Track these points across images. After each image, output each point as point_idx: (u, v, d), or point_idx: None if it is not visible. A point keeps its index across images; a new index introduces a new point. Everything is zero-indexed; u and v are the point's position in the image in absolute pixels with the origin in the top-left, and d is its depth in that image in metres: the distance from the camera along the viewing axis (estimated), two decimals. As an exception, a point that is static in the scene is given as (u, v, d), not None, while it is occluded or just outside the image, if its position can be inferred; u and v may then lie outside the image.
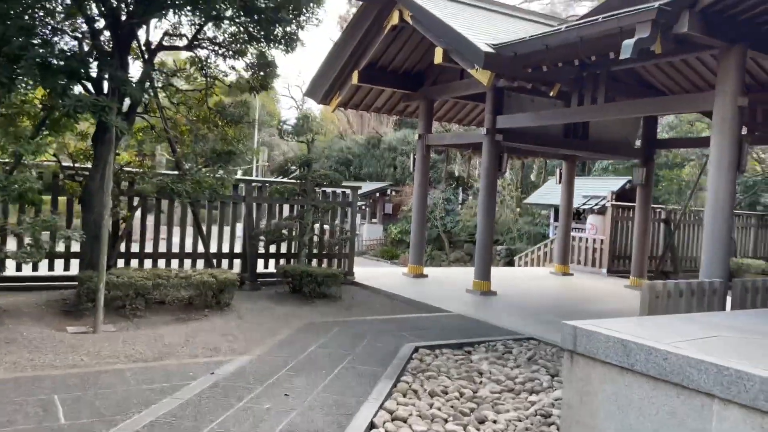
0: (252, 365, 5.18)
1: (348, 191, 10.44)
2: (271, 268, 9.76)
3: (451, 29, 7.92)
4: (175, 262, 9.01)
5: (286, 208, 9.87)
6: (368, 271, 11.77)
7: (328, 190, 10.18)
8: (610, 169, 21.75)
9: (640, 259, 11.77)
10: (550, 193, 19.93)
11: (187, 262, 9.15)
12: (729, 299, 6.51)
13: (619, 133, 11.39)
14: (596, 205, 15.45)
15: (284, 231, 9.09)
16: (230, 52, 8.48)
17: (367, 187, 29.11)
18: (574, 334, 3.50)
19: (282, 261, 9.88)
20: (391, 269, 12.79)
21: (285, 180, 9.26)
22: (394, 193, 31.58)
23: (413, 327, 7.00)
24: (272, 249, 9.84)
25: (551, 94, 8.32)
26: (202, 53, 8.63)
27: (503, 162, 10.03)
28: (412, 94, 11.43)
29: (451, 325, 7.25)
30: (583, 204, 15.64)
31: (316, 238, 9.70)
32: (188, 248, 9.15)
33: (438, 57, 8.36)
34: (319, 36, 66.16)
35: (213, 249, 9.28)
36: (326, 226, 10.28)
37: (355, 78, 10.51)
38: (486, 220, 9.72)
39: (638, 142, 11.80)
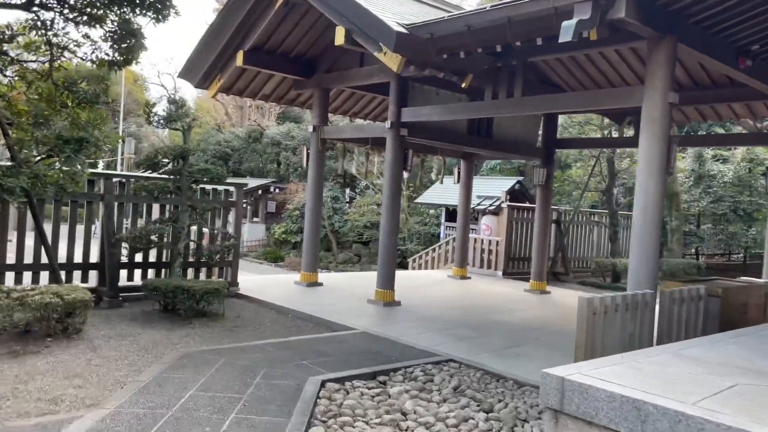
0: (105, 427, 3.85)
1: (231, 189, 9.11)
2: (138, 280, 8.22)
3: (356, 4, 6.93)
4: (9, 277, 7.22)
5: (156, 208, 8.35)
6: (255, 280, 10.48)
7: (208, 187, 8.79)
8: (497, 169, 21.94)
9: (540, 261, 11.55)
10: (440, 192, 19.64)
11: (28, 276, 7.38)
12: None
13: (521, 132, 11.06)
14: (491, 205, 15.26)
15: (154, 236, 7.61)
16: (85, 18, 6.89)
17: (248, 183, 27.35)
18: (561, 389, 2.63)
19: (151, 272, 8.36)
20: (280, 277, 11.57)
21: (155, 175, 7.77)
22: (277, 190, 30.04)
23: (315, 352, 5.94)
24: (139, 257, 8.29)
25: (463, 85, 7.61)
26: (46, 15, 6.95)
27: (408, 158, 9.23)
28: (304, 81, 10.30)
29: (359, 348, 6.27)
30: (478, 204, 15.37)
31: (193, 245, 8.27)
32: (28, 258, 7.38)
33: (339, 38, 7.34)
34: (195, 20, 62.38)
35: (62, 258, 7.59)
36: (205, 230, 8.89)
37: (239, 59, 9.19)
38: (391, 223, 8.87)
39: (539, 142, 11.56)
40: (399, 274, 13.03)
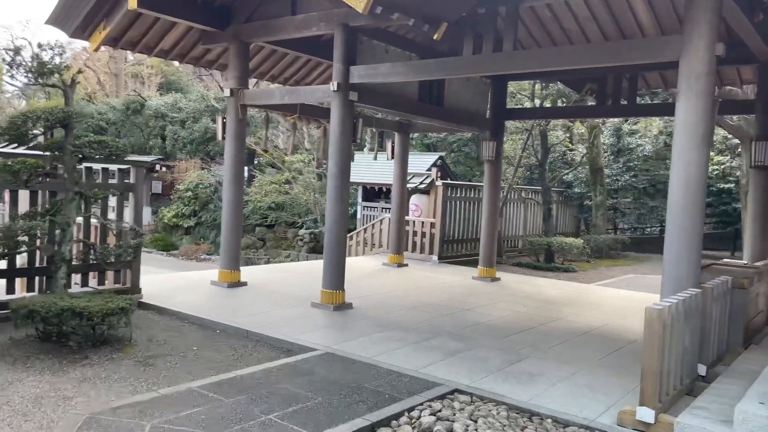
0: None
1: (130, 168, 7.06)
2: (2, 295, 6.06)
3: None
4: None
5: (24, 196, 6.17)
6: (158, 281, 8.48)
7: (96, 166, 6.71)
8: (414, 144, 20.81)
9: (489, 245, 10.50)
10: (355, 169, 18.17)
11: None
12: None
13: (471, 101, 9.83)
14: (421, 183, 14.05)
15: (22, 236, 5.51)
16: None
17: (148, 161, 24.23)
18: None
19: (20, 284, 6.21)
20: (189, 275, 9.56)
21: (22, 151, 5.63)
22: (164, 168, 27.02)
23: (279, 395, 4.32)
24: (2, 264, 6.10)
25: (435, 36, 6.14)
26: None
27: (358, 128, 7.66)
28: (217, 34, 8.34)
29: (333, 380, 4.73)
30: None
31: (80, 244, 6.21)
32: None
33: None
34: (54, -24, 55.27)
35: None
36: (93, 221, 6.82)
37: (132, 0, 7.09)
38: (339, 207, 7.30)
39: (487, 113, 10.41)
40: (321, 263, 11.51)
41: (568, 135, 16.34)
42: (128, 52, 37.96)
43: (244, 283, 8.50)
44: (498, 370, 5.17)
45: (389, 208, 17.62)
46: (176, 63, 40.03)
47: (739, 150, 16.02)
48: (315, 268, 10.54)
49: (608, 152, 17.73)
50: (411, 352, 5.59)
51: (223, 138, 8.39)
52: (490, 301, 8.34)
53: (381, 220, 13.80)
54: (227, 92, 8.27)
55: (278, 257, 19.69)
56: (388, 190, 18.41)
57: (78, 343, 4.98)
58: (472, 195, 13.82)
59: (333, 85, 7.15)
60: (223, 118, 8.39)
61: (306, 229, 19.74)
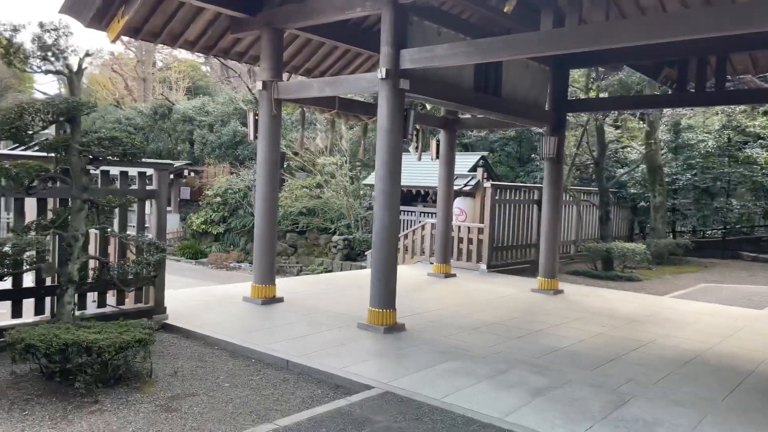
0: None
1: (150, 171, 6.23)
2: (7, 320, 5.26)
3: None
4: None
5: (31, 206, 5.36)
6: (184, 296, 7.62)
7: (114, 170, 5.89)
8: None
9: (551, 253, 9.42)
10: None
11: None
12: None
13: (531, 92, 8.80)
14: (465, 185, 13.04)
15: (28, 252, 4.68)
16: None
17: (173, 164, 23.71)
18: None
19: (23, 308, 5.40)
20: (218, 290, 8.69)
21: (22, 153, 4.83)
22: (192, 174, 26.47)
23: (334, 459, 3.38)
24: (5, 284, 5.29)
25: (506, 8, 5.16)
26: None
27: (409, 123, 6.70)
28: (247, 20, 7.49)
29: (399, 434, 3.77)
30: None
31: (94, 262, 5.38)
32: None
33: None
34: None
35: None
36: (111, 232, 5.99)
37: (153, -18, 6.28)
38: (388, 215, 6.36)
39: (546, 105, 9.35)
40: (363, 273, 10.58)
41: (620, 132, 15.11)
42: (156, 56, 37.80)
43: (280, 299, 7.61)
44: (603, 417, 4.14)
45: (429, 213, 16.68)
46: (204, 68, 39.72)
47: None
48: (357, 279, 9.65)
49: (665, 149, 16.44)
50: (487, 391, 4.60)
51: (255, 137, 7.51)
52: (561, 320, 7.29)
53: (423, 225, 12.82)
54: (259, 85, 7.40)
55: (311, 265, 18.84)
56: (426, 193, 17.46)
57: (86, 383, 4.12)
58: (522, 197, 12.75)
59: (381, 72, 6.21)
60: (255, 114, 7.51)
61: (339, 235, 18.86)
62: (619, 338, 6.47)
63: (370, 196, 20.74)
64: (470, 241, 12.02)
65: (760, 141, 17.01)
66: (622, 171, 15.93)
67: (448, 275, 10.51)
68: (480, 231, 11.88)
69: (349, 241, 18.15)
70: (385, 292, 6.36)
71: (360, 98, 9.32)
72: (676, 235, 16.89)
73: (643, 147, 15.68)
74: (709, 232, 18.13)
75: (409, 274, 10.62)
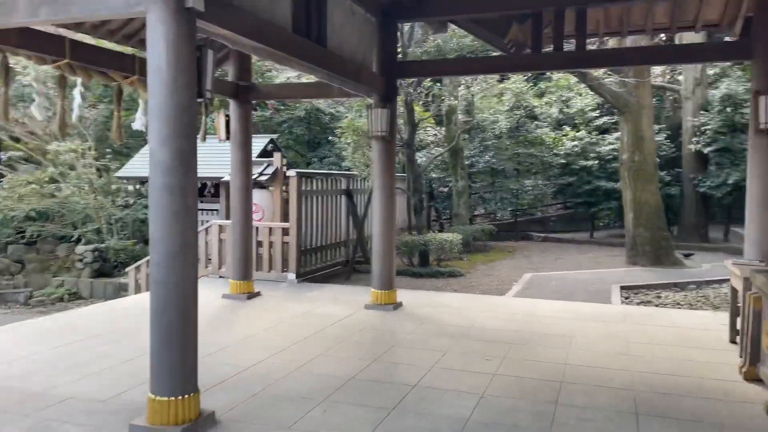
0: None
1: None
2: None
3: None
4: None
5: None
6: None
7: None
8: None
9: (387, 255, 7.49)
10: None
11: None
12: None
13: (359, 48, 6.71)
14: (261, 174, 10.50)
15: None
16: None
17: None
18: None
19: None
20: None
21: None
22: None
23: None
24: None
25: None
26: None
27: (206, 70, 4.05)
28: None
29: None
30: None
31: None
32: None
33: None
34: None
35: None
36: None
37: None
38: (175, 220, 3.69)
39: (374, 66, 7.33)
40: (135, 303, 7.39)
41: (430, 111, 13.98)
42: None
43: None
44: None
45: (209, 210, 13.73)
46: None
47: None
48: (124, 317, 6.59)
49: (460, 130, 15.82)
50: None
51: None
52: (433, 355, 5.36)
53: (207, 228, 9.98)
54: None
55: (47, 287, 14.45)
56: (204, 185, 14.45)
57: None
58: (330, 187, 10.73)
59: (151, -21, 3.48)
60: None
61: (86, 244, 14.79)
62: (526, 379, 4.74)
63: (127, 192, 16.82)
64: (272, 245, 9.59)
65: (536, 122, 17.41)
66: (421, 154, 14.88)
67: (251, 295, 8.00)
68: (285, 232, 9.53)
69: (101, 251, 14.26)
70: (179, 361, 3.71)
71: (118, 49, 6.27)
72: (472, 220, 16.49)
73: (444, 129, 14.80)
74: (499, 215, 18.26)
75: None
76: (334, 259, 10.88)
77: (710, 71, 17.03)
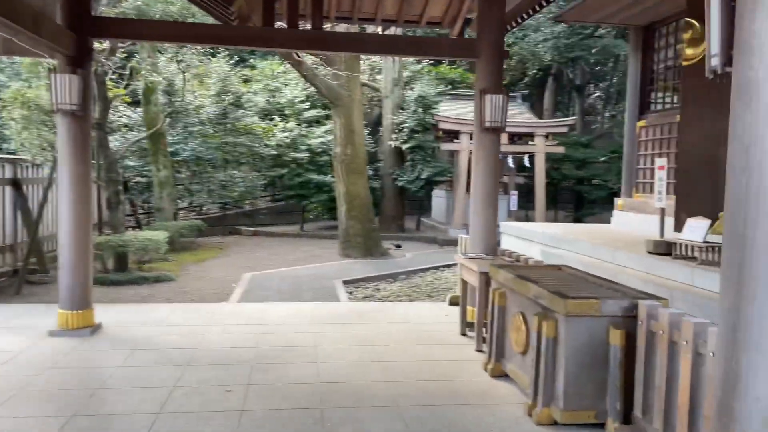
0: None
1: None
2: None
3: None
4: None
5: None
6: None
7: None
8: None
9: (83, 266, 5.89)
10: None
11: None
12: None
13: (37, -15, 5.00)
14: None
15: None
16: None
17: None
18: None
19: None
20: None
21: None
22: None
23: None
24: None
25: None
26: None
27: None
28: None
29: None
30: None
31: None
32: None
33: None
34: None
35: None
36: None
37: None
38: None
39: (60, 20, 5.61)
40: None
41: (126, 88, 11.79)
42: None
43: None
44: None
45: None
46: None
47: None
48: None
49: (164, 113, 14.05)
50: None
51: None
52: (157, 400, 4.19)
53: None
54: None
55: None
56: None
57: None
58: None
59: None
60: None
61: None
62: (287, 409, 3.95)
63: None
64: None
65: (242, 111, 16.62)
66: (113, 138, 12.65)
67: None
68: None
69: None
70: None
71: None
72: (176, 215, 14.92)
73: (142, 110, 12.96)
74: (206, 208, 16.96)
75: None
76: (-2, 269, 8.50)
77: (405, 73, 18.44)
